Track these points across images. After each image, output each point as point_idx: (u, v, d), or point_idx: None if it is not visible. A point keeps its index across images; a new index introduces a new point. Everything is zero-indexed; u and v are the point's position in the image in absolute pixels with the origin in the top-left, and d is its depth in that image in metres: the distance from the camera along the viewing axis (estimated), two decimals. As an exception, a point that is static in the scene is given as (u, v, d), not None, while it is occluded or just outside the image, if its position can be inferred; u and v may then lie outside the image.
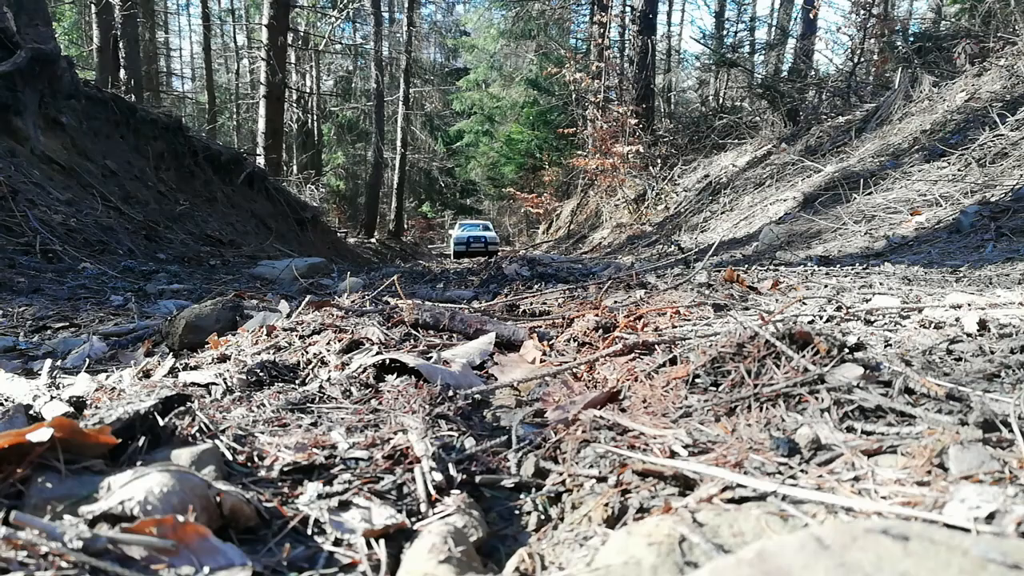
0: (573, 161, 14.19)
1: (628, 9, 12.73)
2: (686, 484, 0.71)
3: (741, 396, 0.88)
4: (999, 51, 6.61)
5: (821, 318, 1.28)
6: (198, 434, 0.85)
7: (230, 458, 0.81)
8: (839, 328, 1.19)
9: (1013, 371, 0.89)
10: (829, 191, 5.36)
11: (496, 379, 1.33)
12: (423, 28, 24.71)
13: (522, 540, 0.73)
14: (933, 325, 1.18)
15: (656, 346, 1.20)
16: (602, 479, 0.76)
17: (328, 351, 1.29)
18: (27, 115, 4.68)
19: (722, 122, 10.73)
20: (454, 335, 1.62)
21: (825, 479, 0.66)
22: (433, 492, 0.75)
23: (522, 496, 0.81)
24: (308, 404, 1.01)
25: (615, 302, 1.73)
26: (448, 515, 0.71)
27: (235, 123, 22.19)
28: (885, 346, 1.06)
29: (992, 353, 0.97)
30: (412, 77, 20.41)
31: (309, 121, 20.01)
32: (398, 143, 19.88)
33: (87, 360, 1.52)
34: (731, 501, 0.65)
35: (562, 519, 0.75)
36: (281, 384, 1.12)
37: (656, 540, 0.56)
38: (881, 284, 1.83)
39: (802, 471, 0.69)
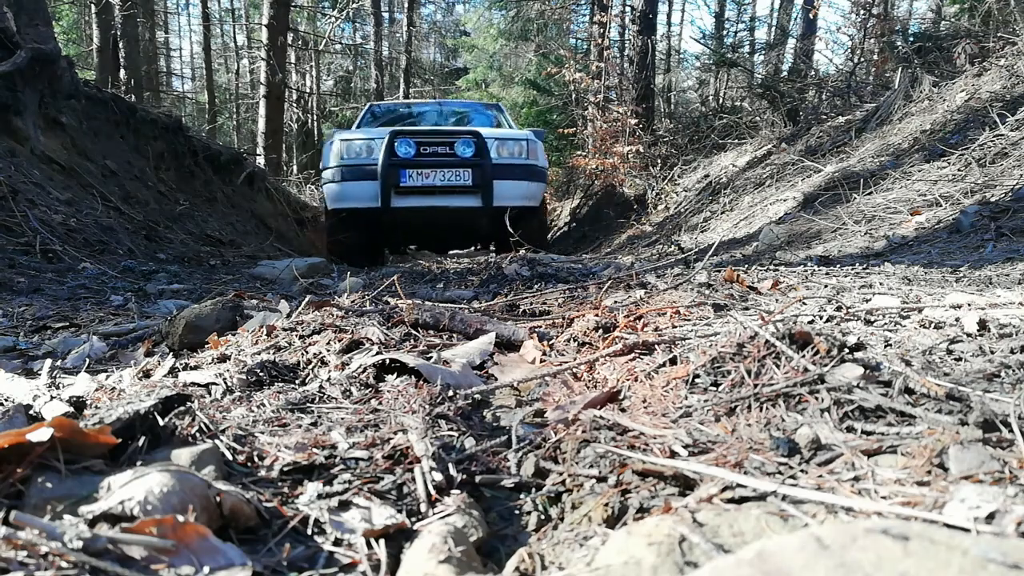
0: (573, 161, 13.99)
1: (628, 9, 12.73)
2: (686, 484, 0.71)
3: (741, 396, 0.88)
4: (999, 51, 6.61)
5: (821, 318, 1.28)
6: (198, 434, 0.85)
7: (230, 458, 0.81)
8: (839, 328, 1.19)
9: (1013, 371, 0.89)
10: (829, 191, 5.36)
11: (496, 379, 1.32)
12: (423, 28, 24.70)
13: (522, 540, 0.73)
14: (933, 325, 1.18)
15: (656, 346, 1.20)
16: (602, 479, 0.76)
17: (328, 351, 1.29)
18: (27, 115, 4.68)
19: (722, 122, 10.72)
20: (454, 335, 1.62)
21: (825, 479, 0.66)
22: (433, 492, 0.75)
23: (522, 496, 0.81)
24: (308, 404, 1.01)
25: (615, 302, 1.73)
26: (448, 515, 0.71)
27: (235, 123, 22.17)
28: (885, 346, 1.06)
29: (992, 353, 0.97)
30: (412, 77, 20.38)
31: (309, 121, 19.98)
32: (398, 143, 19.76)
33: (87, 360, 1.52)
34: (731, 501, 0.65)
35: (562, 519, 0.75)
36: (281, 384, 1.12)
37: (656, 540, 0.56)
38: (881, 284, 1.83)
39: (802, 471, 0.69)
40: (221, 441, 0.84)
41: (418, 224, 5.72)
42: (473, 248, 7.87)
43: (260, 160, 10.83)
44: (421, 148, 5.20)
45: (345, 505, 0.71)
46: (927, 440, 0.70)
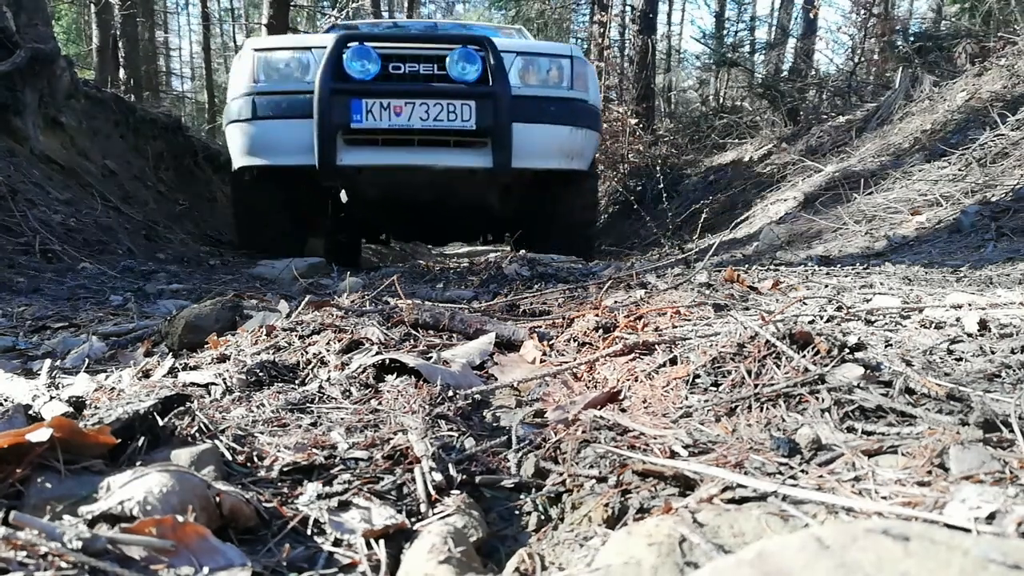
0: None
1: (628, 8, 12.73)
2: (686, 484, 0.71)
3: (741, 396, 0.88)
4: (999, 51, 6.61)
5: (821, 318, 1.28)
6: (197, 434, 0.85)
7: (229, 458, 0.81)
8: (839, 328, 1.19)
9: (1014, 371, 0.88)
10: (830, 191, 5.36)
11: (496, 379, 1.32)
12: (423, 28, 24.65)
13: (522, 540, 0.73)
14: (934, 325, 1.18)
15: (656, 346, 1.20)
16: (602, 479, 0.76)
17: (328, 351, 1.28)
18: (27, 115, 4.68)
19: (722, 122, 10.72)
20: (454, 335, 1.62)
21: (825, 479, 0.66)
22: (433, 492, 0.75)
23: (522, 496, 0.81)
24: (308, 404, 1.01)
25: (615, 302, 1.73)
26: (448, 515, 0.70)
27: (235, 123, 22.13)
28: (886, 346, 1.06)
29: (993, 353, 0.97)
30: (412, 77, 20.36)
31: (309, 121, 19.93)
32: (398, 143, 19.71)
33: (86, 360, 1.52)
34: (731, 501, 0.65)
35: (562, 519, 0.75)
36: (281, 384, 1.12)
37: (656, 540, 0.56)
38: (882, 284, 1.83)
39: (802, 471, 0.69)
40: (221, 441, 0.84)
41: (383, 197, 3.63)
42: (480, 241, 5.53)
43: (260, 160, 10.81)
44: (390, 65, 3.19)
45: (345, 505, 0.71)
46: (928, 440, 0.70)
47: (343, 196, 3.76)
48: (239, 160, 3.50)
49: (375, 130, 3.18)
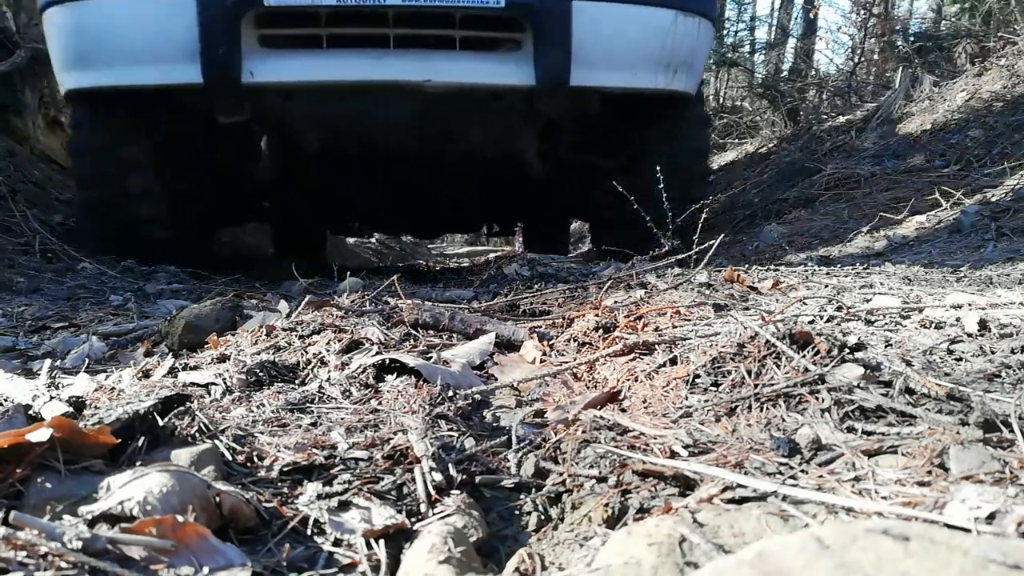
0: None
1: (628, 9, 12.72)
2: (686, 484, 0.71)
3: (741, 396, 0.88)
4: (999, 51, 6.61)
5: (821, 318, 1.28)
6: (197, 434, 0.85)
7: (229, 458, 0.81)
8: (839, 328, 1.19)
9: (1014, 371, 0.89)
10: (829, 191, 5.36)
11: (496, 379, 1.32)
12: (423, 28, 24.60)
13: (522, 540, 0.73)
14: (934, 325, 1.18)
15: (656, 346, 1.20)
16: (602, 479, 0.76)
17: (328, 351, 1.28)
18: (27, 115, 4.68)
19: (722, 122, 10.71)
20: (454, 335, 1.62)
21: (825, 479, 0.66)
22: (433, 492, 0.75)
23: (522, 496, 0.81)
24: (308, 404, 1.01)
25: (615, 302, 1.73)
26: (448, 515, 0.71)
27: (235, 123, 22.12)
28: (886, 346, 1.06)
29: (993, 353, 0.97)
30: (412, 77, 20.31)
31: (309, 121, 19.90)
32: (398, 143, 19.65)
33: (86, 360, 1.52)
34: (731, 501, 0.65)
35: (562, 519, 0.75)
36: (281, 384, 1.12)
37: (656, 540, 0.56)
38: (882, 284, 1.83)
39: (802, 471, 0.69)
40: (221, 441, 0.84)
41: (331, 149, 2.30)
42: (486, 233, 3.83)
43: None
44: None
45: (345, 505, 0.71)
46: (928, 440, 0.70)
47: (263, 145, 2.06)
48: (67, 79, 2.09)
49: (310, 12, 1.79)
